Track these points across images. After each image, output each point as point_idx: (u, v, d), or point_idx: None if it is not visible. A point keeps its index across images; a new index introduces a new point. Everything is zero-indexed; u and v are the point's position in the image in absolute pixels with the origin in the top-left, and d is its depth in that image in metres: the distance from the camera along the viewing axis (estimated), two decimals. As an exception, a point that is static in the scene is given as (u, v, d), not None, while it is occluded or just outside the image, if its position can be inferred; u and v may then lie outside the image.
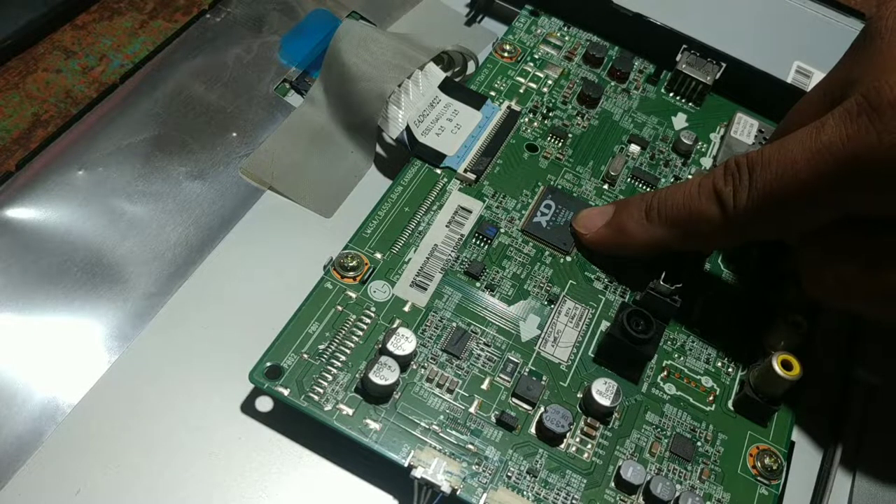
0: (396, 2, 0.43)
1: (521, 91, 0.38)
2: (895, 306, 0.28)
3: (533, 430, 0.28)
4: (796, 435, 0.31)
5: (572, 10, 0.41)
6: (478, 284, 0.31)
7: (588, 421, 0.29)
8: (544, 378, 0.30)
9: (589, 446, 0.28)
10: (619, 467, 0.28)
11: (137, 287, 0.31)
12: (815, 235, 0.29)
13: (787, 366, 0.29)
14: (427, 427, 0.27)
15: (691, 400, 0.30)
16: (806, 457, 0.31)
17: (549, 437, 0.28)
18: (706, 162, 0.38)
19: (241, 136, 0.36)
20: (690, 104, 0.40)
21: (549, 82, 0.39)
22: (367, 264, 0.31)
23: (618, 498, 0.28)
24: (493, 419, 0.28)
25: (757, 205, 0.27)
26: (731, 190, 0.28)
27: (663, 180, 0.37)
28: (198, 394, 0.28)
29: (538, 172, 0.35)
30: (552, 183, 0.35)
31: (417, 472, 0.26)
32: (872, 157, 0.24)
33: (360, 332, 0.29)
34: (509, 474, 0.27)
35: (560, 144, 0.37)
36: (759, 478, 0.29)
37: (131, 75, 0.37)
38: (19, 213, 0.32)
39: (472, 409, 0.28)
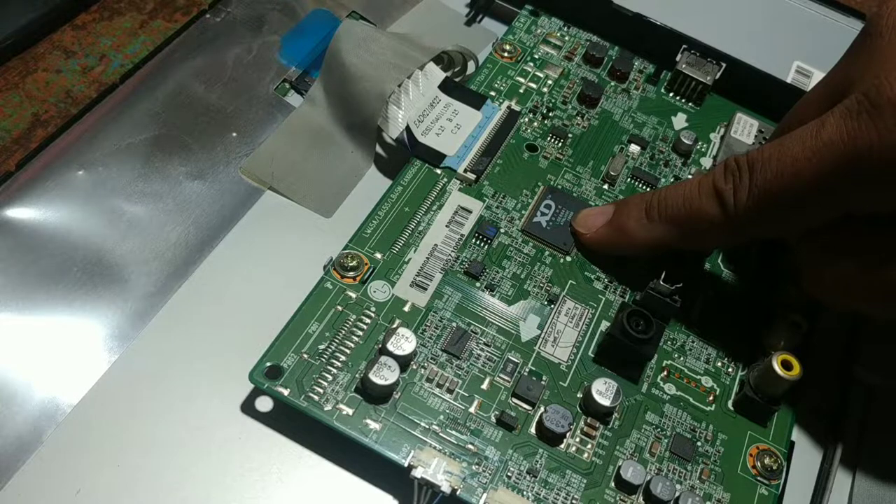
0: (396, 2, 0.43)
1: (521, 91, 0.38)
2: (895, 305, 0.28)
3: (533, 430, 0.28)
4: (796, 435, 0.31)
5: (572, 10, 0.41)
6: (478, 284, 0.31)
7: (588, 421, 0.29)
8: (544, 378, 0.30)
9: (589, 446, 0.28)
10: (619, 467, 0.28)
11: (137, 287, 0.31)
12: (815, 234, 0.29)
13: (787, 366, 0.29)
14: (427, 427, 0.27)
15: (691, 400, 0.30)
16: (806, 457, 0.31)
17: (549, 437, 0.28)
18: (706, 162, 0.38)
19: (241, 136, 0.36)
20: (690, 104, 0.40)
21: (549, 82, 0.39)
22: (367, 264, 0.31)
23: (618, 498, 0.27)
24: (493, 419, 0.28)
25: (757, 203, 0.27)
26: (731, 189, 0.28)
27: (663, 180, 0.37)
28: (198, 394, 0.28)
29: (538, 172, 0.35)
30: (552, 183, 0.35)
31: (417, 472, 0.26)
32: (873, 154, 0.24)
33: (360, 332, 0.29)
34: (509, 474, 0.27)
35: (560, 144, 0.37)
36: (759, 478, 0.29)
37: (131, 75, 0.37)
38: (19, 213, 0.32)
39: (472, 409, 0.28)
